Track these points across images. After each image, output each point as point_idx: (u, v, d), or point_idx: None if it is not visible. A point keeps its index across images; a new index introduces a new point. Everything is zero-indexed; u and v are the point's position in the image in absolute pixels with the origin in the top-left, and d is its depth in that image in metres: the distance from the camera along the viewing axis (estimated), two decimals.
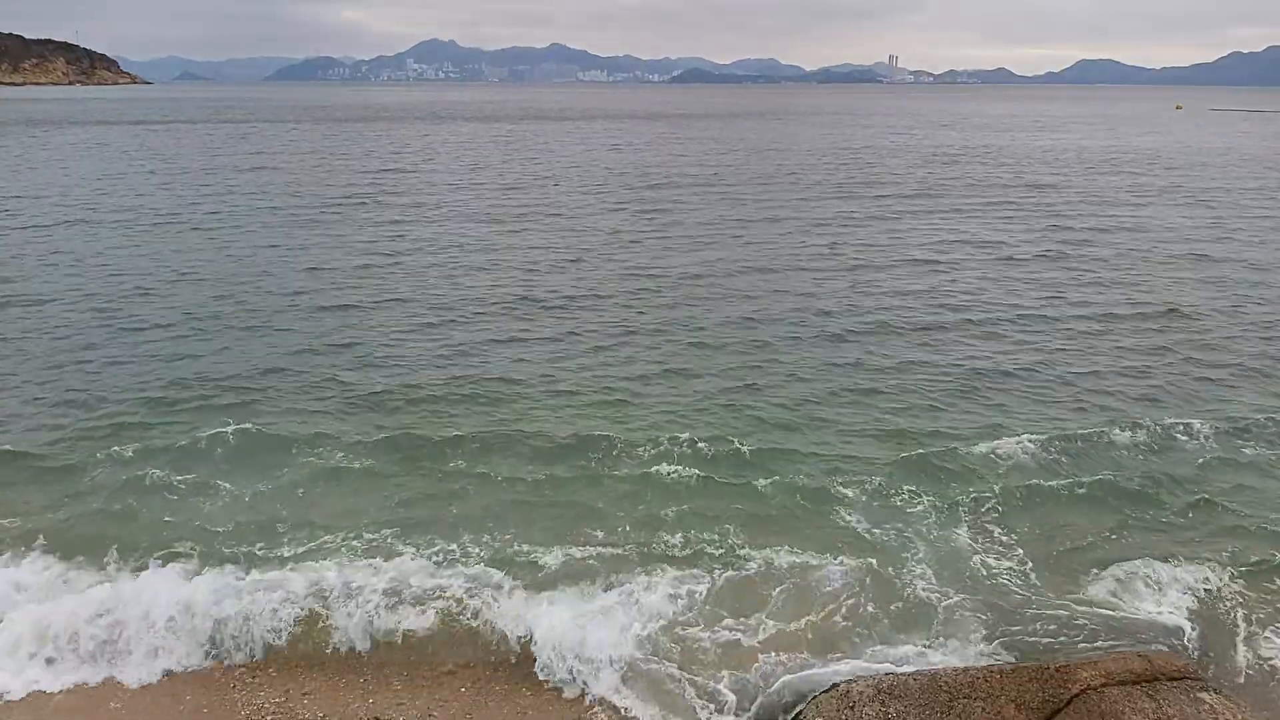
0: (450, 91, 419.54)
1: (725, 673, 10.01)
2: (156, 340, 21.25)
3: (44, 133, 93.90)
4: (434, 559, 11.93)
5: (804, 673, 9.97)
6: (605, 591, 11.30)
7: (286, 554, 12.00)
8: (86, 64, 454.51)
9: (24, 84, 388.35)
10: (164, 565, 11.55)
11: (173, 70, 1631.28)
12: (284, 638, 10.51)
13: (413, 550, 12.11)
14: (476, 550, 12.21)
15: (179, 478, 14.08)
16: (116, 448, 15.02)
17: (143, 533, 12.50)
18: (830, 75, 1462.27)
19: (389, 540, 12.40)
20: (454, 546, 12.28)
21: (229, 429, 15.69)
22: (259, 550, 12.07)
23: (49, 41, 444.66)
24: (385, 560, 11.77)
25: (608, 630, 10.41)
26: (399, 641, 10.54)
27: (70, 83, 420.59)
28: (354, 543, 12.32)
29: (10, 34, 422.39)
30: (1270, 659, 10.29)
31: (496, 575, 11.50)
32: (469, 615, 10.80)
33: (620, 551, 12.31)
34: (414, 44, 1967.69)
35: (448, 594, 11.06)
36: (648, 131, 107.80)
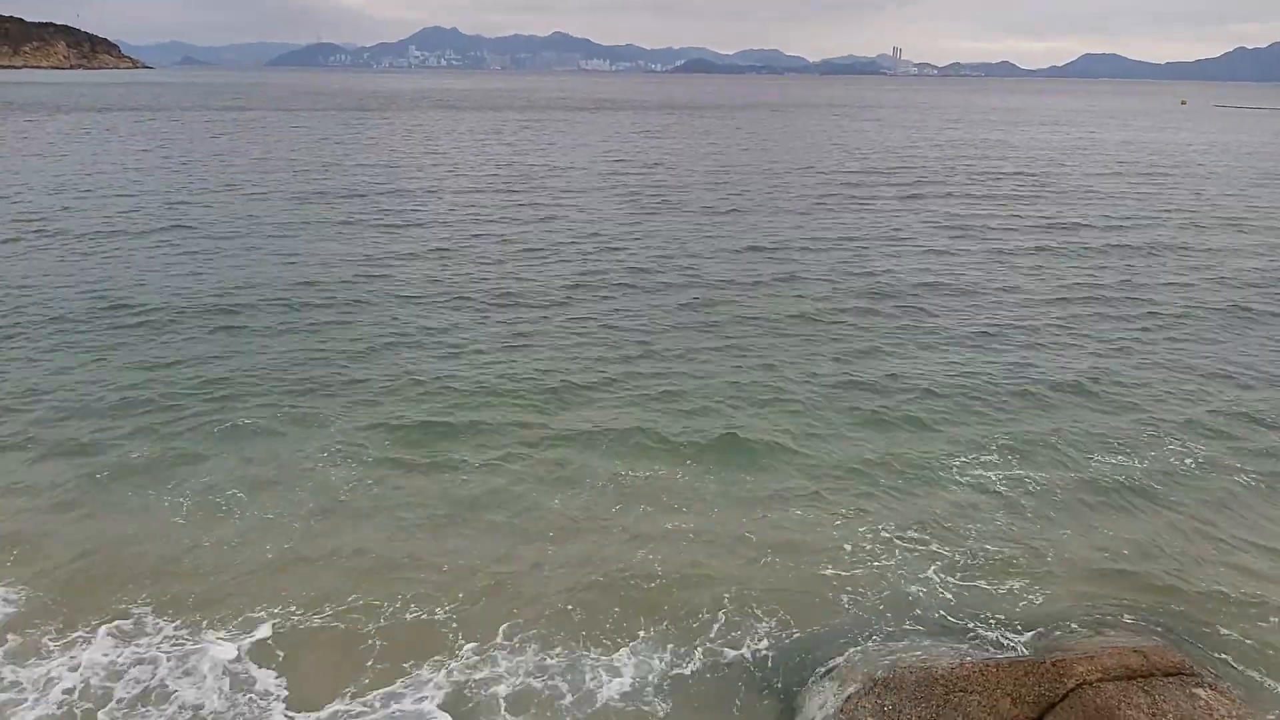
0: (454, 79, 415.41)
1: (719, 667, 10.01)
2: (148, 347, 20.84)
3: (48, 117, 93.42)
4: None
5: (799, 666, 9.96)
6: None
7: None
8: (88, 48, 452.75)
9: (24, 67, 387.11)
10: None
11: (174, 55, 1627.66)
12: None
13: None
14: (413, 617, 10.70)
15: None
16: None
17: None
18: (833, 67, 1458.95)
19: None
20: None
21: (197, 441, 15.43)
22: None
23: (50, 25, 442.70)
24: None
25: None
26: None
27: (71, 66, 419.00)
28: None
29: (11, 16, 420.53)
30: (1266, 654, 10.29)
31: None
32: None
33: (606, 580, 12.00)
34: (416, 31, 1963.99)
35: None
36: (663, 121, 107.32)
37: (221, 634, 10.33)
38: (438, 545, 12.26)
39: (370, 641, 10.26)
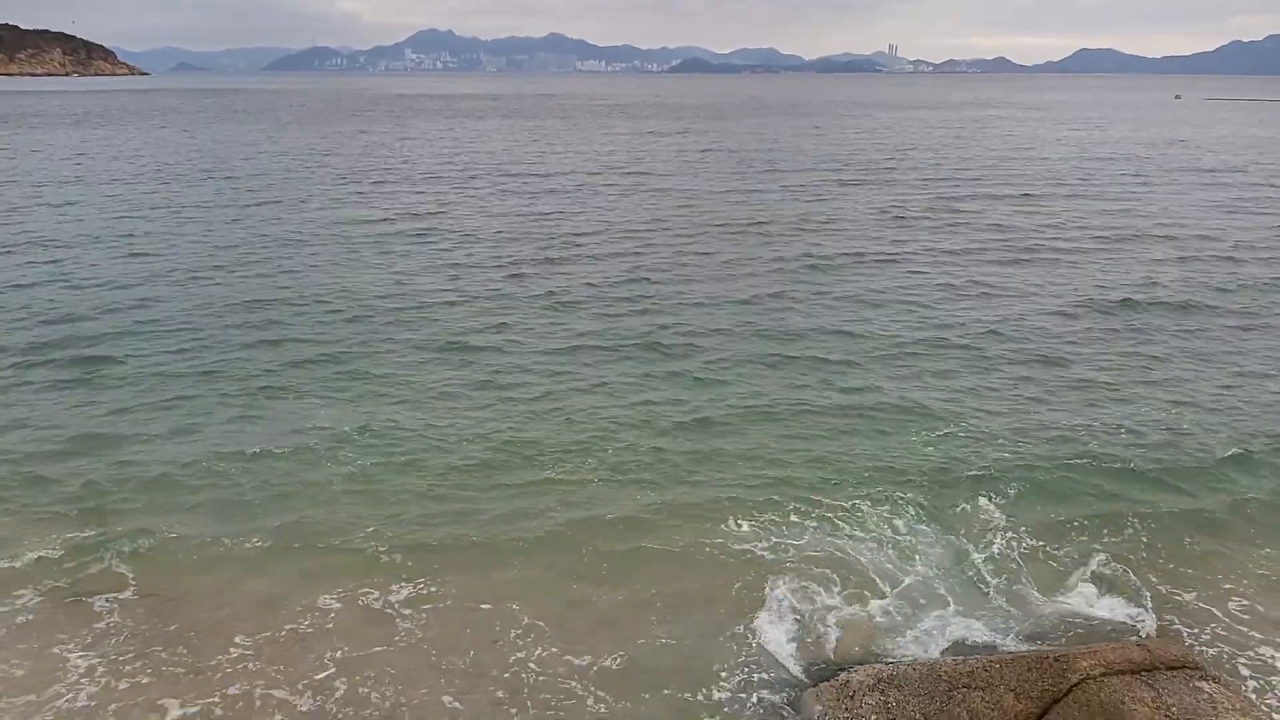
0: (454, 83, 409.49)
1: (726, 665, 10.03)
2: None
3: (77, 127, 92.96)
4: None
5: (804, 663, 9.97)
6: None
7: None
8: (84, 54, 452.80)
9: (19, 74, 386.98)
10: None
11: (169, 60, 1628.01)
12: None
13: None
14: None
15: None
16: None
17: None
18: (830, 65, 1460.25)
19: None
20: None
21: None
22: None
23: (45, 32, 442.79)
24: None
25: None
26: None
27: (67, 73, 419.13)
28: None
29: (6, 24, 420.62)
30: (1269, 646, 10.30)
31: None
32: None
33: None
34: (411, 34, 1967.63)
35: None
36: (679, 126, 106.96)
37: None
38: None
39: None
